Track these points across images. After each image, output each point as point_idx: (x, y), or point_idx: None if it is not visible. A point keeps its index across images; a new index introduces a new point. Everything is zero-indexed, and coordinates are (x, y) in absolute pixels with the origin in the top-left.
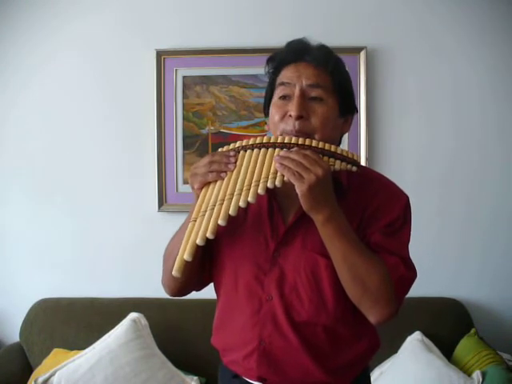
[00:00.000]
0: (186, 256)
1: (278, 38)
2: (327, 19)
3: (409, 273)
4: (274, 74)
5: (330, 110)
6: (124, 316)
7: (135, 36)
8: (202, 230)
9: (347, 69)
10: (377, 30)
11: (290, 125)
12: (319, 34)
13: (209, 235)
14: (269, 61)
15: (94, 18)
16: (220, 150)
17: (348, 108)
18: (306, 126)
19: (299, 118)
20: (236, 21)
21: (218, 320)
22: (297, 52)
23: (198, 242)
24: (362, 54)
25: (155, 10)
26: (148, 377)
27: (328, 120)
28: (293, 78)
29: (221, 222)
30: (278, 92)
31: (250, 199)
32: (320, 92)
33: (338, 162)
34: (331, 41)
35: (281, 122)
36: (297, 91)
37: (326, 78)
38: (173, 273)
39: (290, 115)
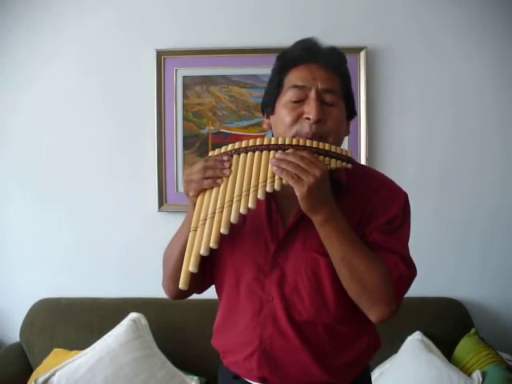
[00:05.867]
0: (192, 268)
1: (278, 38)
2: (327, 19)
3: (408, 271)
4: (281, 73)
5: (342, 114)
6: (124, 316)
7: (135, 36)
8: (204, 241)
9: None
10: (377, 30)
11: (306, 127)
12: (319, 34)
13: (212, 245)
14: (279, 58)
15: (94, 19)
16: (211, 153)
17: (352, 112)
18: (322, 129)
19: (318, 121)
20: (236, 21)
21: (219, 322)
22: (309, 52)
23: (202, 252)
24: (362, 54)
25: (155, 10)
26: (148, 377)
27: (341, 124)
28: (308, 80)
29: (223, 230)
30: (291, 94)
31: (250, 205)
32: (333, 96)
33: (333, 160)
34: (331, 41)
35: (295, 124)
36: (313, 94)
37: (337, 82)
38: (180, 286)
39: (308, 118)
